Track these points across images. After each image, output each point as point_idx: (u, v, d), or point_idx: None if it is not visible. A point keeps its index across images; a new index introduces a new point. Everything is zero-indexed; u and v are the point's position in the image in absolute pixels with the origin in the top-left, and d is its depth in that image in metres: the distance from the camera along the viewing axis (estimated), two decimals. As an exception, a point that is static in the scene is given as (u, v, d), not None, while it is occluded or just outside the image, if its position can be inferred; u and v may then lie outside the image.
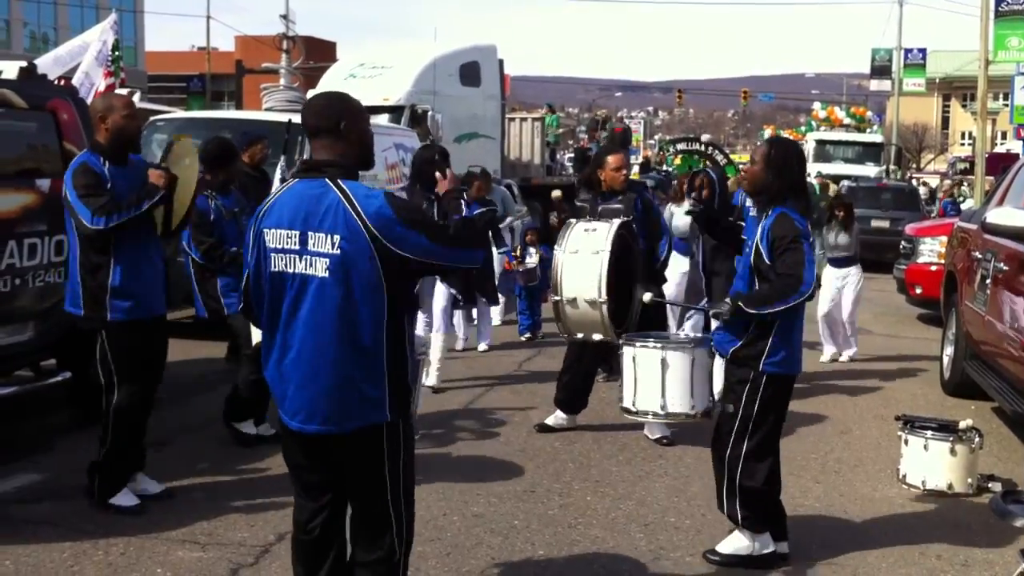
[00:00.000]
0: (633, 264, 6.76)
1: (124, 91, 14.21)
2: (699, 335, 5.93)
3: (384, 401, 3.68)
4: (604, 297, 6.24)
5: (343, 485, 3.82)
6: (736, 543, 5.19)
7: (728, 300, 5.06)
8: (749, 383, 5.01)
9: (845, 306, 10.74)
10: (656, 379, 5.63)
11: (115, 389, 5.62)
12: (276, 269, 3.67)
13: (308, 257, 3.60)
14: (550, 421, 7.61)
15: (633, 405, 5.76)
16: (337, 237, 3.55)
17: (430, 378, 8.63)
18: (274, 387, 3.78)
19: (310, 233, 3.59)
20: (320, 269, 3.58)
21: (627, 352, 5.87)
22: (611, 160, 7.39)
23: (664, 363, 5.62)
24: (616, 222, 6.63)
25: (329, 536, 3.87)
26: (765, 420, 5.05)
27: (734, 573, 5.11)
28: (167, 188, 5.62)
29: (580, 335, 6.67)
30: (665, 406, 5.64)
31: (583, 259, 6.43)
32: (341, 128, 3.72)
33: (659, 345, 5.74)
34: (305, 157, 3.81)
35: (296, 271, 3.62)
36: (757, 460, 5.07)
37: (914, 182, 34.25)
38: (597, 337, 6.56)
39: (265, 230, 3.69)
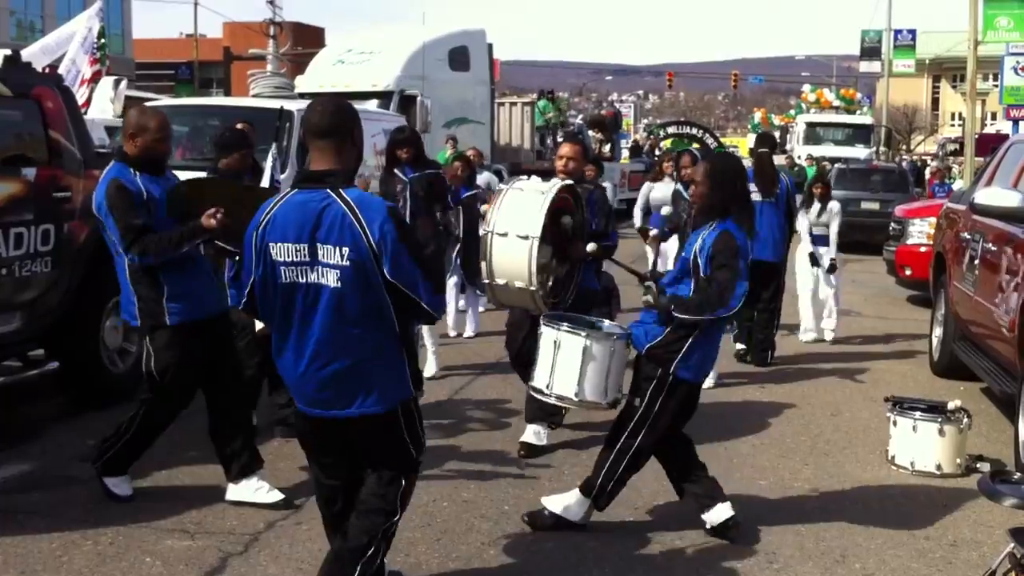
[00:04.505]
0: (575, 224, 6.28)
1: (111, 79, 14.18)
2: (621, 328, 5.69)
3: (407, 378, 3.97)
4: (535, 285, 5.86)
5: (359, 460, 4.07)
6: (567, 501, 5.37)
7: (664, 295, 5.14)
8: (655, 381, 5.11)
9: (827, 283, 10.68)
10: (575, 366, 5.47)
11: (157, 391, 5.48)
12: (287, 281, 3.79)
13: (320, 268, 3.74)
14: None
15: (548, 387, 5.58)
16: (345, 249, 3.69)
17: (429, 367, 8.51)
18: (291, 383, 3.98)
19: (319, 246, 3.71)
20: (332, 280, 3.73)
21: (548, 334, 5.60)
22: (561, 148, 7.13)
23: (586, 351, 5.45)
24: (556, 186, 6.05)
25: (352, 502, 4.10)
26: (661, 421, 5.15)
27: (723, 548, 5.12)
28: (219, 233, 5.27)
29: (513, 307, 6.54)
30: (580, 393, 5.49)
31: (512, 243, 5.91)
32: (354, 135, 3.87)
33: (584, 333, 5.51)
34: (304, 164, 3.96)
35: (308, 281, 3.76)
36: (642, 457, 5.24)
37: (904, 164, 34.20)
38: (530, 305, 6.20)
39: (271, 244, 3.78)
